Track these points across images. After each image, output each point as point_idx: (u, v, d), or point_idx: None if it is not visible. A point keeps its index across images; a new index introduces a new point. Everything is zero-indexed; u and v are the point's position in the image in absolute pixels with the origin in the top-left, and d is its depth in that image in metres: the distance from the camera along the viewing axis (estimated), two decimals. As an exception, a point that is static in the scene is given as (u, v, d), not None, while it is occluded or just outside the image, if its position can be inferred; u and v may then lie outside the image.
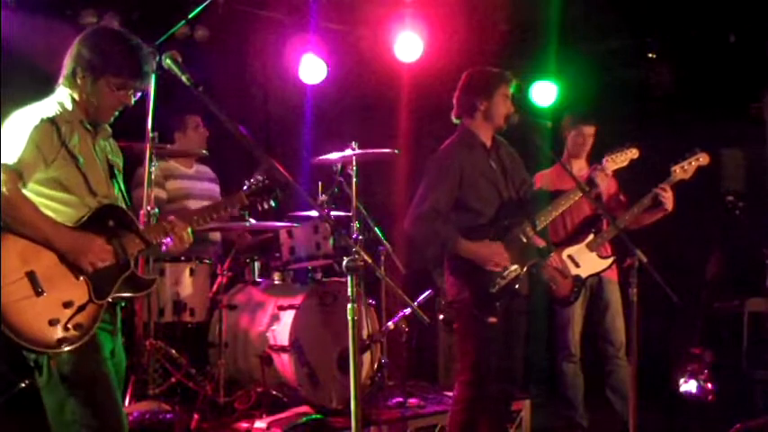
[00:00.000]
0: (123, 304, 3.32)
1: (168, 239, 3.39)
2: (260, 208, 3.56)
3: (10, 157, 3.00)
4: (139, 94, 3.31)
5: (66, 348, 3.01)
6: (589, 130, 5.59)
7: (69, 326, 3.03)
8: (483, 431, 4.35)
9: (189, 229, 3.41)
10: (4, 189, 2.95)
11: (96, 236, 3.14)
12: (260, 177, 3.58)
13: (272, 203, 3.56)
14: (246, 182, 3.59)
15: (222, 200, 3.54)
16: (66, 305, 3.05)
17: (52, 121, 3.11)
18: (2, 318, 2.91)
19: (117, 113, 3.30)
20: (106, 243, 3.16)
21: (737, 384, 6.48)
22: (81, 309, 3.07)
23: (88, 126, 3.24)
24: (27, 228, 3.01)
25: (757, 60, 6.67)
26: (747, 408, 6.00)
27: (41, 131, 3.07)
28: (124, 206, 3.33)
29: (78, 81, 3.19)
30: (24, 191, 3.05)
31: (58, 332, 3.01)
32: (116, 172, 3.36)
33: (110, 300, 3.17)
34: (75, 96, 3.21)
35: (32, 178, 3.06)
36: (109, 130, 3.36)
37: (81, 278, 3.09)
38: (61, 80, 3.24)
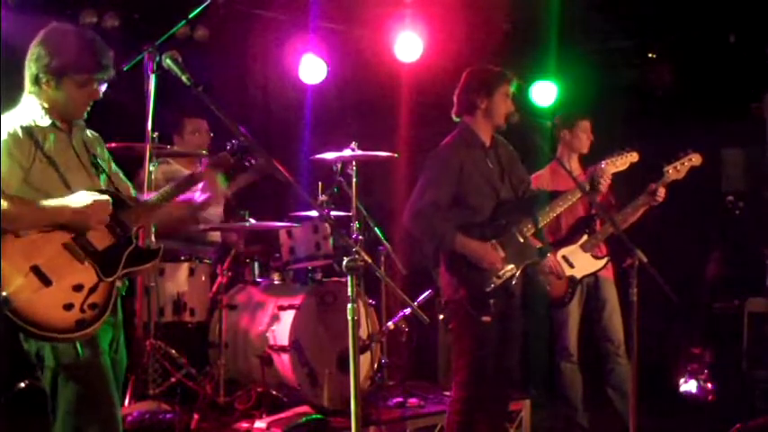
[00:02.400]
0: (123, 293, 3.35)
1: (197, 193, 3.46)
2: (248, 164, 3.56)
3: None
4: (105, 85, 3.30)
5: (88, 329, 3.07)
6: (588, 124, 5.59)
7: (85, 307, 3.08)
8: (481, 431, 4.36)
9: (221, 178, 3.48)
10: None
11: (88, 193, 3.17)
12: (241, 139, 3.54)
13: (260, 159, 3.54)
14: (228, 143, 3.58)
15: (208, 161, 3.56)
16: (77, 288, 3.10)
17: (24, 128, 3.14)
18: (20, 316, 2.97)
19: (89, 108, 3.31)
20: (99, 196, 3.18)
21: (737, 384, 6.48)
22: (93, 290, 3.12)
23: (60, 125, 3.26)
24: (27, 225, 3.06)
25: (757, 60, 6.67)
26: (747, 408, 6.00)
27: (15, 141, 3.11)
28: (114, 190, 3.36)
29: (43, 86, 3.22)
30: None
31: (75, 315, 3.06)
32: (99, 162, 3.37)
33: (119, 276, 3.21)
34: (44, 103, 3.24)
35: (13, 189, 3.09)
36: (82, 123, 3.38)
37: (86, 262, 3.14)
38: (26, 87, 3.26)
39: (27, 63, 3.25)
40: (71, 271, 3.10)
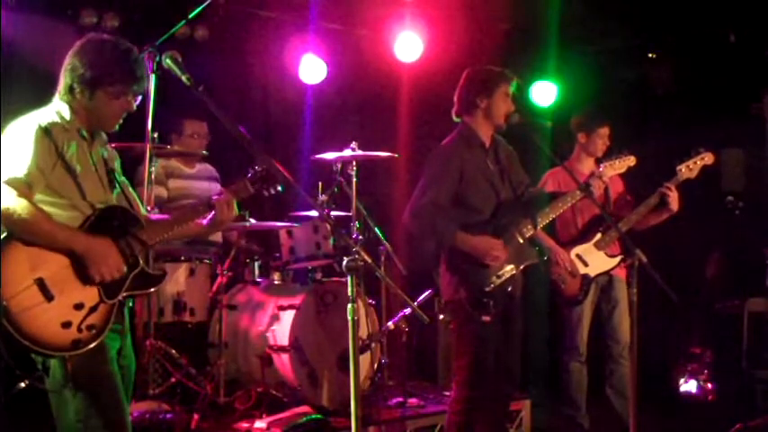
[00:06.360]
0: (131, 304, 3.34)
1: (210, 214, 3.41)
2: (266, 194, 3.54)
3: (20, 170, 3.02)
4: (140, 97, 3.32)
5: (83, 349, 3.04)
6: (606, 131, 5.57)
7: (82, 327, 3.06)
8: (481, 431, 4.36)
9: (235, 201, 3.43)
10: (20, 212, 2.97)
11: (110, 243, 3.15)
12: (262, 166, 3.55)
13: (279, 188, 3.52)
14: (250, 170, 3.55)
15: (228, 188, 3.53)
16: (78, 307, 3.07)
17: (48, 132, 3.11)
18: (16, 327, 2.93)
19: (121, 121, 3.32)
20: (117, 251, 3.16)
21: (737, 384, 6.48)
22: (93, 310, 3.09)
23: (85, 134, 3.25)
24: (44, 239, 3.04)
25: (757, 60, 6.67)
26: (747, 408, 6.00)
27: (39, 143, 3.09)
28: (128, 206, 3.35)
29: (77, 95, 3.21)
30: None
31: (72, 334, 3.03)
32: (116, 177, 3.37)
33: (121, 298, 3.19)
34: (75, 106, 3.22)
35: (39, 188, 3.09)
36: (105, 137, 3.37)
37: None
38: (58, 93, 3.25)
39: (62, 72, 3.23)
40: (74, 288, 3.07)
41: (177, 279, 5.27)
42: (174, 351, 5.05)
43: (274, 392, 5.02)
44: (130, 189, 3.51)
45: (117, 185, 3.36)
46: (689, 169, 5.14)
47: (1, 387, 4.36)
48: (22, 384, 4.55)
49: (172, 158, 5.74)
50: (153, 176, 4.90)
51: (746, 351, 6.61)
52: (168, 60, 3.17)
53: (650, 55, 7.42)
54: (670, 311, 4.82)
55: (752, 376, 6.39)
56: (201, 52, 6.28)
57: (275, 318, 5.20)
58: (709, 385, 6.57)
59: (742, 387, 6.42)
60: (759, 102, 6.99)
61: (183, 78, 3.14)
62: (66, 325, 3.03)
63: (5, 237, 3.00)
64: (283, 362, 5.09)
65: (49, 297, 3.01)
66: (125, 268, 3.18)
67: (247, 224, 5.24)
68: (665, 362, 6.75)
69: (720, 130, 6.53)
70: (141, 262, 3.27)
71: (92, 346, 3.06)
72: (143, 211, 3.57)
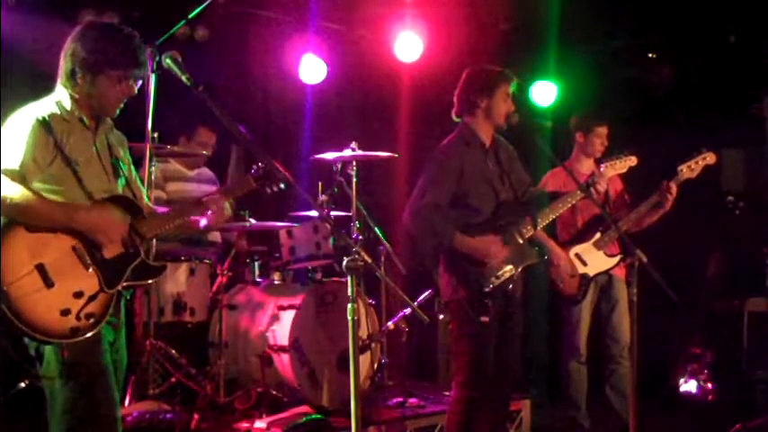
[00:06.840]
0: (128, 297, 3.35)
1: (207, 214, 3.45)
2: (268, 191, 3.55)
3: (14, 162, 3.04)
4: (140, 82, 3.32)
5: (80, 338, 3.05)
6: (605, 131, 5.57)
7: (81, 315, 3.07)
8: (481, 431, 4.36)
9: (227, 203, 3.47)
10: (13, 196, 2.99)
11: (107, 207, 3.17)
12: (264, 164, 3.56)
13: (282, 186, 3.53)
14: (254, 166, 3.57)
15: (231, 183, 3.54)
16: (77, 295, 3.08)
17: (47, 124, 3.12)
18: (16, 312, 2.95)
19: (122, 105, 3.32)
20: (115, 213, 3.18)
21: (737, 384, 6.48)
22: (92, 298, 3.11)
23: (87, 123, 3.25)
24: (43, 221, 3.06)
25: (757, 60, 6.67)
26: (747, 408, 6.00)
27: (36, 137, 3.10)
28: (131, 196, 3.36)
29: (78, 80, 3.21)
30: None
31: (71, 322, 3.04)
32: (121, 165, 3.37)
33: (120, 288, 3.20)
34: (75, 95, 3.23)
35: (34, 180, 3.09)
36: (110, 122, 3.37)
37: (91, 269, 3.13)
38: (60, 80, 3.26)
39: (62, 58, 3.24)
40: (75, 276, 3.08)
41: (177, 279, 5.27)
42: (174, 351, 5.05)
43: (274, 392, 5.03)
44: (135, 176, 3.51)
45: (122, 174, 3.36)
46: (690, 169, 5.13)
47: (1, 387, 4.37)
48: (22, 384, 4.56)
49: (172, 162, 5.74)
50: (152, 178, 4.89)
51: (746, 351, 6.61)
52: (168, 60, 3.17)
53: (650, 55, 7.43)
54: (670, 311, 4.81)
55: (752, 376, 6.40)
56: (201, 52, 6.28)
57: (275, 318, 5.20)
58: (710, 385, 6.58)
59: (742, 387, 6.42)
60: (759, 102, 6.99)
61: (183, 78, 3.15)
62: (66, 312, 3.04)
63: (6, 223, 3.02)
64: (283, 362, 5.09)
65: (49, 283, 3.02)
66: (128, 224, 3.21)
67: (247, 224, 5.24)
68: (665, 362, 6.75)
69: (720, 130, 6.54)
70: (142, 253, 3.27)
71: (89, 334, 3.07)
72: (146, 200, 3.57)
